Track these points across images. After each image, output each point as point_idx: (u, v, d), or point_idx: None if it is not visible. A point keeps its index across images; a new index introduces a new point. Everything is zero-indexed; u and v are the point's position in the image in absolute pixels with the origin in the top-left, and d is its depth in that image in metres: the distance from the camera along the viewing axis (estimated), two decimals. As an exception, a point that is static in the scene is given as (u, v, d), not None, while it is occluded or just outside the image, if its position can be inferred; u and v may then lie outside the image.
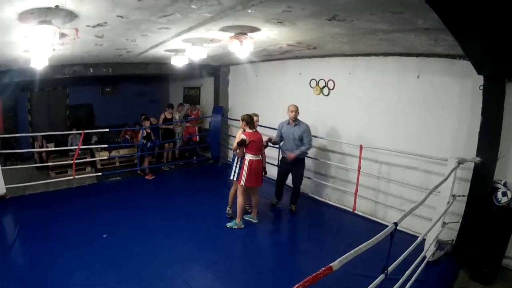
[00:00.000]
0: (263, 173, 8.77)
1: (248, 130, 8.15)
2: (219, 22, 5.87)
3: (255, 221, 8.82)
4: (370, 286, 3.86)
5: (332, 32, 6.76)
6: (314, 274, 2.73)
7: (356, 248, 3.30)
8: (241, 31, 6.56)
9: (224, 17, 5.52)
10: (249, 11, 5.16)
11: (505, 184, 7.05)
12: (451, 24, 4.22)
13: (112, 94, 18.26)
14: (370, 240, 3.56)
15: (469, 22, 3.99)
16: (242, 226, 8.51)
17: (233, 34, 6.67)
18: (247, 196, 8.67)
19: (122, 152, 14.69)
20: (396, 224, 4.01)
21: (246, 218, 8.80)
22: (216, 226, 8.73)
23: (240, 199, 8.32)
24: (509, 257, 7.34)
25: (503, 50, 5.11)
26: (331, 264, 2.91)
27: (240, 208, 8.36)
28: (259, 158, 8.26)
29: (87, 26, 5.86)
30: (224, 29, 6.47)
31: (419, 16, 4.89)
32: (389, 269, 4.27)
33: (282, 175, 9.77)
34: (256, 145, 8.09)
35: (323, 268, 2.84)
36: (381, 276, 4.16)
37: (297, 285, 2.58)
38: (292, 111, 9.12)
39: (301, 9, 5.14)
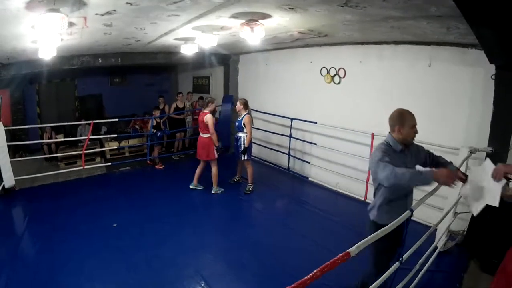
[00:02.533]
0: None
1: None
2: (230, 8, 5.82)
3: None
4: (385, 273, 3.94)
5: (343, 19, 6.68)
6: (331, 260, 2.71)
7: (373, 234, 3.34)
8: (252, 18, 6.50)
9: (235, 3, 5.46)
10: None
11: (516, 175, 7.03)
12: (467, 10, 4.16)
13: (121, 84, 18.29)
14: (387, 226, 3.60)
15: (484, 9, 3.94)
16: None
17: (244, 21, 6.62)
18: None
19: (132, 142, 14.75)
20: (411, 210, 4.07)
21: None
22: (227, 215, 8.93)
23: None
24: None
25: None
26: (348, 250, 2.89)
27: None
28: None
29: (96, 14, 5.82)
30: (235, 16, 6.41)
31: (432, 2, 4.81)
32: (403, 257, 4.32)
33: None
34: None
35: (341, 254, 2.82)
36: (396, 264, 4.23)
37: (315, 270, 2.57)
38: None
39: None
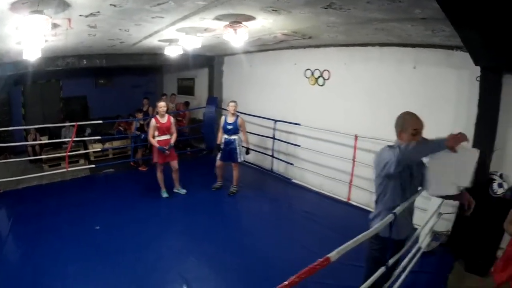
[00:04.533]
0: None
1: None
2: (213, 10, 5.86)
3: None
4: (370, 279, 3.89)
5: (327, 21, 6.74)
6: (311, 265, 2.72)
7: (354, 239, 3.27)
8: (236, 20, 6.54)
9: (218, 5, 5.51)
10: None
11: (501, 176, 7.11)
12: (451, 13, 4.21)
13: (106, 86, 18.25)
14: (369, 230, 3.59)
15: (469, 11, 3.98)
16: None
17: (227, 23, 6.64)
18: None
19: (116, 144, 14.76)
20: (395, 214, 4.00)
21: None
22: (210, 217, 8.87)
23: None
24: (504, 249, 7.45)
25: (501, 41, 5.12)
26: (328, 255, 2.89)
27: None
28: None
29: (80, 15, 5.84)
30: (219, 18, 6.44)
31: (416, 5, 4.85)
32: (389, 262, 4.27)
33: None
34: None
35: (320, 260, 2.81)
36: (382, 269, 4.14)
37: (292, 277, 2.58)
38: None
39: None
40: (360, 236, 3.37)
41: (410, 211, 4.66)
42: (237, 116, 10.16)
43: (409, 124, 4.36)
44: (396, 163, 3.97)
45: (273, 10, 5.93)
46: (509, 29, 4.30)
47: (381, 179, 4.38)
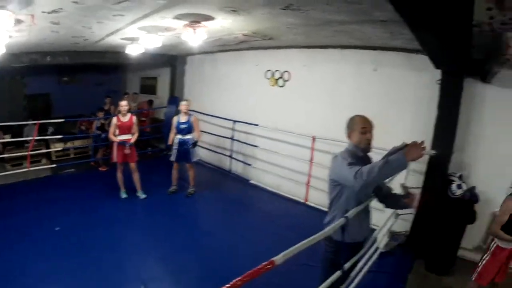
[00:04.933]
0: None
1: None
2: (173, 9, 5.95)
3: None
4: (326, 282, 3.91)
5: (286, 22, 6.87)
6: (255, 268, 2.74)
7: (302, 242, 3.26)
8: (195, 19, 6.64)
9: (177, 5, 5.62)
10: None
11: (460, 177, 7.35)
12: (407, 16, 4.17)
13: (70, 83, 18.10)
14: (318, 234, 3.59)
15: (425, 15, 3.93)
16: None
17: (187, 22, 6.74)
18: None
19: (77, 143, 14.70)
20: (346, 217, 4.03)
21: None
22: (169, 218, 9.03)
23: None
24: (465, 248, 7.68)
25: (459, 47, 5.25)
26: (273, 259, 2.91)
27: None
28: None
29: (43, 12, 5.88)
30: (179, 17, 6.52)
31: (375, 7, 4.96)
32: (344, 266, 4.28)
33: None
34: None
35: (265, 263, 2.83)
36: (338, 273, 4.15)
37: (235, 280, 2.60)
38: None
39: None
40: (308, 239, 3.36)
41: (366, 213, 4.69)
42: (190, 115, 10.20)
43: (357, 123, 4.37)
44: (359, 188, 3.89)
45: (232, 11, 6.04)
46: (465, 35, 4.45)
47: (335, 183, 4.38)
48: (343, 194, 4.36)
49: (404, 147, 3.89)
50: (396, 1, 3.44)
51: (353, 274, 4.89)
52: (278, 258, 2.92)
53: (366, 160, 4.39)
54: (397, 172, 3.91)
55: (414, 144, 3.75)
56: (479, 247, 7.81)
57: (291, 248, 3.06)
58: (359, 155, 4.31)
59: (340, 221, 4.02)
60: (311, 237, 3.39)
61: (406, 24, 4.37)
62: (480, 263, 5.79)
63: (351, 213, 4.11)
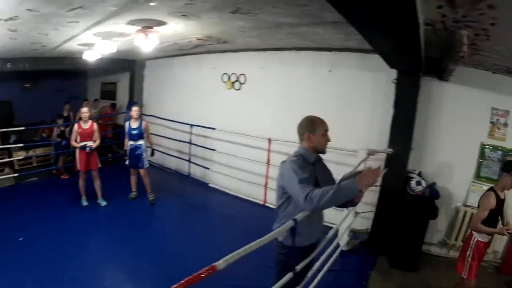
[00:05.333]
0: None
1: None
2: (125, 15, 6.16)
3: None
4: (277, 284, 3.92)
5: (238, 26, 7.14)
6: (195, 273, 2.75)
7: (245, 247, 3.26)
8: (148, 25, 6.86)
9: (128, 11, 5.83)
10: (152, 4, 5.48)
11: (419, 174, 7.72)
12: (350, 17, 4.31)
13: (32, 90, 17.96)
14: (262, 238, 3.56)
15: (368, 16, 4.08)
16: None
17: (140, 27, 6.95)
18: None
19: (39, 151, 14.56)
20: (295, 220, 3.91)
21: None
22: (130, 224, 9.18)
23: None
24: (429, 243, 8.11)
25: (408, 46, 5.43)
26: (215, 264, 2.92)
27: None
28: None
29: (0, 19, 6.11)
30: (131, 23, 6.73)
31: (324, 9, 5.00)
32: (297, 268, 4.23)
33: None
34: None
35: (206, 268, 2.84)
36: (289, 275, 4.12)
37: (175, 285, 2.59)
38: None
39: (202, 2, 5.48)
40: (252, 244, 3.35)
41: (319, 214, 4.55)
42: (142, 120, 10.33)
43: (319, 125, 4.28)
44: (309, 210, 3.91)
45: (182, 15, 6.30)
46: (412, 34, 4.54)
47: (284, 191, 4.28)
48: (291, 202, 4.29)
49: (358, 173, 4.00)
50: (336, 2, 3.60)
51: (310, 274, 4.98)
52: (220, 263, 2.96)
53: (317, 165, 4.41)
54: (348, 198, 3.92)
55: (367, 171, 3.81)
56: (443, 241, 8.22)
57: (233, 253, 3.10)
58: (310, 160, 4.28)
59: (287, 224, 3.96)
60: (254, 242, 3.40)
61: (351, 25, 4.54)
62: (466, 261, 6.03)
63: (300, 217, 4.00)
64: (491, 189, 5.88)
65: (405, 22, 4.02)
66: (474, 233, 5.96)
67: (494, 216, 5.74)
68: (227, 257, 3.02)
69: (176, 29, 7.48)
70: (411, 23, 3.99)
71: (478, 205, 6.01)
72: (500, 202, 5.74)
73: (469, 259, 5.98)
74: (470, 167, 8.12)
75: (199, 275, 2.74)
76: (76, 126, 9.65)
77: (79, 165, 9.84)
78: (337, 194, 3.70)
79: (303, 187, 3.83)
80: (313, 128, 4.26)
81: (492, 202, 5.70)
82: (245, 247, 3.24)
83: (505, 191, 5.82)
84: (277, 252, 4.54)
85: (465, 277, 6.05)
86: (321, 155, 4.47)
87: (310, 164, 4.27)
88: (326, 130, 4.30)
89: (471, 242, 5.99)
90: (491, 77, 7.77)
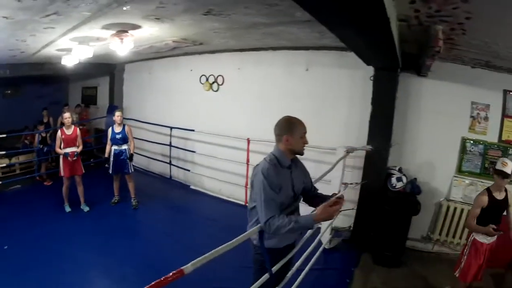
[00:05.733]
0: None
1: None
2: (99, 20, 6.22)
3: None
4: (254, 285, 3.96)
5: (212, 27, 7.24)
6: (163, 277, 2.74)
7: (213, 250, 3.23)
8: (123, 29, 6.92)
9: (102, 15, 5.89)
10: (124, 8, 5.56)
11: (400, 170, 7.78)
12: (320, 16, 4.28)
13: (14, 96, 17.97)
14: (232, 241, 3.52)
15: (339, 14, 4.03)
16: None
17: (115, 31, 7.01)
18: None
19: (22, 158, 14.52)
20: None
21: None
22: (113, 230, 9.20)
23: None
24: (414, 239, 8.22)
25: (383, 43, 5.40)
26: (182, 268, 2.90)
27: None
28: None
29: None
30: (106, 27, 6.79)
31: (295, 8, 4.65)
32: (273, 269, 4.20)
33: None
34: None
35: (174, 271, 2.83)
36: (265, 276, 4.12)
37: None
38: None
39: (173, 5, 5.57)
40: (218, 248, 3.29)
41: (295, 214, 4.34)
42: (124, 124, 10.42)
43: (298, 127, 4.15)
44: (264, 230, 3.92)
45: (156, 19, 6.39)
46: (382, 30, 4.49)
47: (254, 199, 4.16)
48: None
49: (329, 197, 3.99)
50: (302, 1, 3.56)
51: (290, 274, 4.99)
52: (187, 267, 2.94)
53: (293, 168, 4.30)
54: (304, 231, 4.20)
55: (325, 206, 3.75)
56: (427, 236, 8.33)
57: (200, 257, 3.09)
58: (285, 164, 4.16)
59: (255, 228, 3.97)
60: (222, 246, 3.35)
61: (320, 23, 4.54)
62: (463, 258, 6.06)
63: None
64: (487, 188, 5.90)
65: (374, 18, 3.98)
66: (473, 232, 5.98)
67: (486, 215, 5.74)
68: (194, 261, 3.02)
69: (151, 32, 7.56)
70: (380, 19, 3.96)
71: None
72: (495, 201, 5.73)
73: (465, 257, 6.02)
74: (451, 161, 8.23)
75: (166, 279, 2.74)
76: (59, 133, 9.67)
77: (63, 171, 9.83)
78: (293, 229, 3.78)
79: (267, 208, 3.85)
80: (291, 130, 4.12)
81: (483, 200, 5.74)
82: (213, 251, 3.22)
83: (509, 193, 5.79)
84: (253, 252, 4.54)
85: (457, 276, 6.10)
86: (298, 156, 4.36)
87: (285, 168, 4.19)
88: (305, 132, 4.17)
89: (469, 240, 6.03)
90: (470, 72, 7.89)
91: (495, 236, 5.76)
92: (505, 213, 5.80)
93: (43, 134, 13.02)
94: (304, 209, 4.56)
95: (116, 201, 10.89)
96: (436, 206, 8.38)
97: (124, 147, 10.28)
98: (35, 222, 9.34)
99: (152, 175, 14.02)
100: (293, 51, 9.55)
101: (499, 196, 5.73)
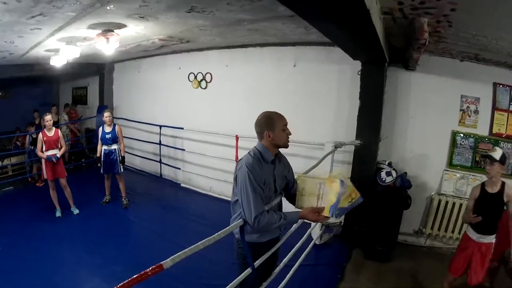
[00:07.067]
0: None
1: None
2: (84, 20, 6.40)
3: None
4: (236, 279, 4.03)
5: (197, 24, 7.43)
6: (142, 272, 2.78)
7: (193, 246, 3.35)
8: (109, 28, 7.08)
9: (87, 15, 6.07)
10: (108, 7, 5.73)
11: (389, 164, 7.93)
12: (299, 10, 4.30)
13: (4, 98, 18.01)
14: (211, 237, 3.68)
15: (317, 8, 4.07)
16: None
17: (100, 31, 7.15)
18: None
19: (14, 159, 14.64)
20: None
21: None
22: (104, 230, 9.29)
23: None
24: (405, 233, 8.40)
25: (367, 37, 5.47)
26: (162, 262, 2.96)
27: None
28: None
29: None
30: (92, 27, 6.96)
31: (277, 3, 4.50)
32: (254, 264, 4.23)
33: None
34: None
35: (153, 266, 2.88)
36: (248, 270, 4.17)
37: (122, 283, 2.66)
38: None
39: (156, 3, 5.75)
40: (197, 244, 3.45)
41: (279, 208, 4.48)
42: (115, 124, 10.51)
43: (277, 121, 4.15)
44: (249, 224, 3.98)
45: (140, 17, 6.58)
46: (363, 23, 4.56)
47: (237, 196, 4.21)
48: None
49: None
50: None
51: (277, 270, 5.00)
52: (167, 262, 3.01)
53: (276, 163, 4.31)
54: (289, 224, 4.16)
55: (312, 210, 3.95)
56: (419, 231, 8.49)
57: (180, 252, 3.18)
58: (268, 160, 4.18)
59: (237, 223, 4.06)
60: (202, 241, 3.50)
61: (300, 17, 4.63)
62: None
63: None
64: (482, 182, 5.96)
65: (353, 10, 4.04)
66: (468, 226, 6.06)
67: (478, 207, 5.77)
68: (174, 256, 3.10)
69: (137, 30, 7.73)
70: (359, 10, 4.01)
71: None
72: (487, 195, 5.77)
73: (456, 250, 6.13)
74: (442, 155, 8.38)
75: (145, 274, 2.78)
76: (40, 135, 9.73)
77: (46, 174, 9.90)
78: (281, 224, 4.00)
79: (256, 204, 3.90)
80: (271, 125, 4.13)
81: (475, 193, 5.86)
82: (193, 246, 3.34)
83: (507, 187, 5.72)
84: (236, 246, 4.59)
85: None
86: (284, 149, 4.34)
87: (269, 163, 4.20)
88: (285, 124, 4.17)
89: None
90: (459, 65, 8.03)
91: (492, 236, 5.79)
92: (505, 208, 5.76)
93: (34, 136, 13.05)
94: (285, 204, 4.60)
95: (107, 200, 11.04)
96: (428, 200, 8.51)
97: (114, 147, 10.41)
98: (27, 224, 9.47)
99: (143, 173, 14.17)
100: (280, 47, 9.71)
101: (492, 189, 5.74)
